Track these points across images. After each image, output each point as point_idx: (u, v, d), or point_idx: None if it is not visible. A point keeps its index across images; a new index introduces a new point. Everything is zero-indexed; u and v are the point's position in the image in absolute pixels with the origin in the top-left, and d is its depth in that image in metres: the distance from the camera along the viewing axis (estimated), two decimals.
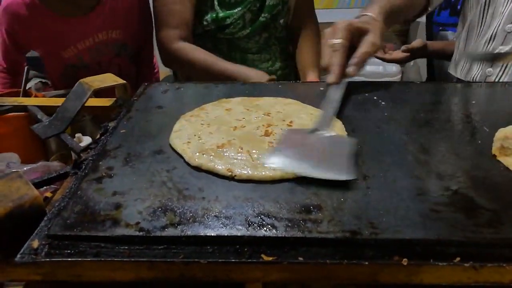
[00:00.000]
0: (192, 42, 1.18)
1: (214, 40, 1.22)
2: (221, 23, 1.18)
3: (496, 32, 0.97)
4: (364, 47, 0.72)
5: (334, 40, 0.71)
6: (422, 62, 2.62)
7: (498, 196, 0.47)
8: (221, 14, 1.17)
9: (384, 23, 0.79)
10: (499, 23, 0.96)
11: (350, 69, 0.71)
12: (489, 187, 0.49)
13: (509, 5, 0.95)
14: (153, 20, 1.46)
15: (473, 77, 1.05)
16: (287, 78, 1.32)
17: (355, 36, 0.73)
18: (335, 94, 0.68)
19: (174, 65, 1.31)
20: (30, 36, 1.27)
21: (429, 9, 1.03)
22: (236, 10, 1.17)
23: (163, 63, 1.32)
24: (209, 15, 1.17)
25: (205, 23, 1.19)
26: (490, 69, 1.00)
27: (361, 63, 0.72)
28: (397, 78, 2.62)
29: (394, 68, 2.60)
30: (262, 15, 1.20)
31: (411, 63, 2.62)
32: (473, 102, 0.72)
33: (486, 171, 0.52)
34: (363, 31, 0.74)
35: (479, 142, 0.59)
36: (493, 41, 0.98)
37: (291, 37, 1.33)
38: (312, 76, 1.23)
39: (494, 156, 0.55)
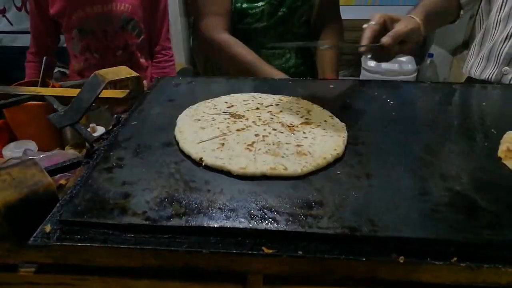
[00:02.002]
0: (231, 31, 1.19)
1: (232, 32, 1.22)
2: (241, 14, 1.19)
3: (511, 31, 0.97)
4: (396, 26, 0.85)
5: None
6: (439, 61, 2.58)
7: (501, 199, 0.48)
8: (244, 5, 1.18)
9: (423, 22, 0.91)
10: None
11: (384, 39, 0.82)
12: (492, 189, 0.49)
13: None
14: (167, 11, 1.50)
15: (488, 76, 1.03)
16: (301, 76, 1.32)
17: (388, 23, 0.85)
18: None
19: (216, 56, 1.30)
20: None
21: (457, 21, 1.09)
22: (259, 4, 1.18)
23: (203, 51, 1.35)
24: (232, 6, 1.18)
25: None
26: (507, 67, 0.99)
27: (395, 37, 0.82)
28: (413, 76, 2.59)
29: (410, 66, 2.57)
30: (281, 9, 1.20)
31: (428, 61, 2.59)
32: (483, 103, 0.72)
33: (491, 174, 0.52)
34: (395, 19, 0.86)
35: (486, 144, 0.59)
36: (509, 40, 0.97)
37: (314, 35, 1.32)
38: (329, 75, 1.23)
39: (500, 158, 0.55)
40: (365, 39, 0.81)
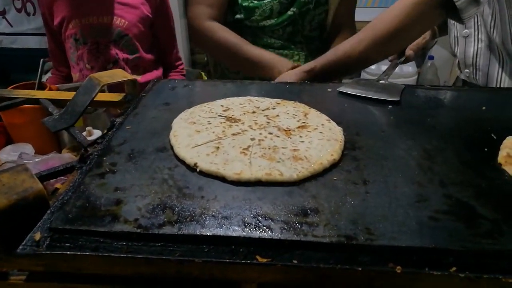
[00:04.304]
0: (222, 24, 1.18)
1: (240, 30, 1.20)
2: (249, 11, 1.18)
3: (457, 38, 1.10)
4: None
5: None
6: (439, 64, 2.57)
7: (501, 206, 0.47)
8: (251, 4, 1.17)
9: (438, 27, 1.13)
10: (456, 30, 1.10)
11: (407, 52, 1.05)
12: (492, 197, 0.48)
13: None
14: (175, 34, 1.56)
15: (463, 77, 1.16)
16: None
17: None
18: (393, 65, 1.00)
19: (201, 44, 1.27)
20: (52, 5, 1.41)
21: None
22: (266, 1, 1.16)
23: (192, 42, 1.33)
24: (239, 4, 1.17)
25: (236, 10, 1.19)
26: (467, 70, 1.11)
27: (416, 50, 1.07)
28: (413, 78, 2.58)
29: (410, 68, 2.56)
30: (291, 9, 1.19)
31: (428, 63, 2.58)
32: (483, 108, 0.71)
33: (490, 180, 0.51)
34: None
35: (485, 149, 0.58)
36: (457, 45, 1.11)
37: (326, 41, 1.31)
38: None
39: (500, 164, 0.54)
40: None
